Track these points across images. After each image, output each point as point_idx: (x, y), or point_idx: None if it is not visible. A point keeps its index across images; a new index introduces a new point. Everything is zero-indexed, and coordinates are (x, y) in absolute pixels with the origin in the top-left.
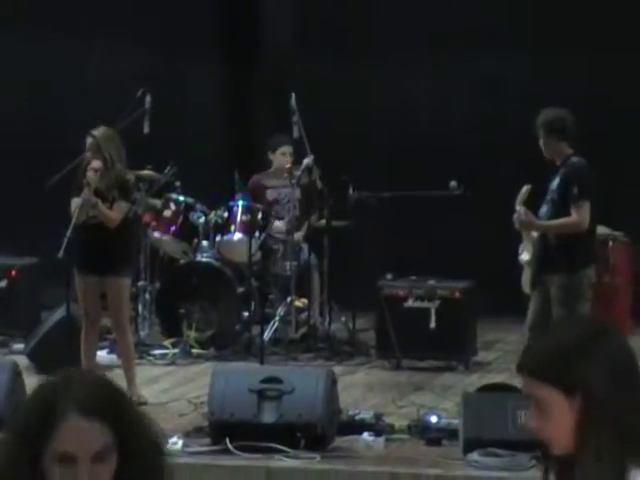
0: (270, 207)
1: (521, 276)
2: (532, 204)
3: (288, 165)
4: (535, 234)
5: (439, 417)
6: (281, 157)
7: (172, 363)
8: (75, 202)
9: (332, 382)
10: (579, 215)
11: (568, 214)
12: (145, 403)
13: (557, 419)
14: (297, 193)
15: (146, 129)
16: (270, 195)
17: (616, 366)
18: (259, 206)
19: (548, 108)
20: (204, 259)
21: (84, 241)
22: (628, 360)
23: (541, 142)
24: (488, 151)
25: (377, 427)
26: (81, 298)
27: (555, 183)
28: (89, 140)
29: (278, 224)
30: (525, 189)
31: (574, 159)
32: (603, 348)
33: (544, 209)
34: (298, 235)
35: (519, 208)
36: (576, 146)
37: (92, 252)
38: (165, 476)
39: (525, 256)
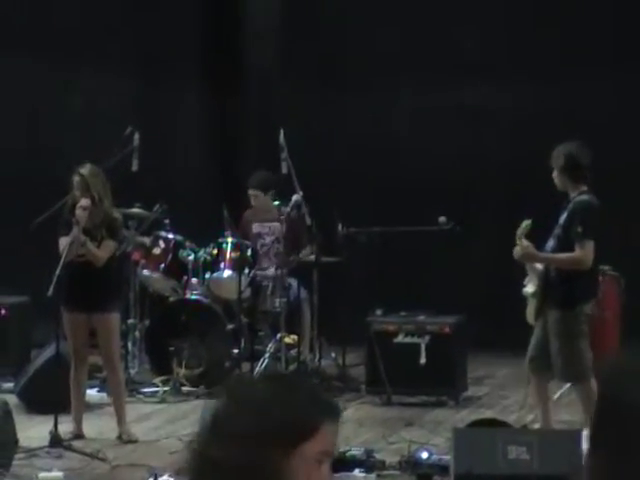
0: (255, 240)
1: (511, 310)
2: (532, 238)
3: (258, 206)
4: (540, 266)
5: (430, 453)
6: (251, 199)
7: (162, 401)
8: (63, 241)
9: None
10: (582, 253)
11: (572, 250)
12: (136, 441)
13: None
14: (282, 228)
15: (134, 167)
16: (255, 229)
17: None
18: (248, 243)
19: (566, 142)
20: (193, 296)
21: (71, 279)
22: None
23: (554, 174)
24: (477, 186)
25: (368, 463)
26: (69, 336)
27: (562, 218)
28: (77, 178)
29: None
30: (525, 224)
31: (584, 196)
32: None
33: (551, 243)
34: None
35: (522, 242)
36: (591, 182)
37: (79, 290)
38: None
39: (530, 288)
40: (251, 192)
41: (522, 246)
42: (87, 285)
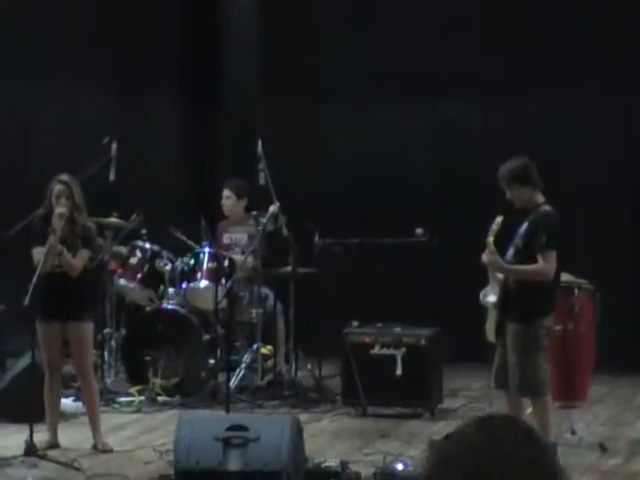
0: (226, 251)
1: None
2: (499, 245)
3: (228, 207)
4: (500, 276)
5: (405, 465)
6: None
7: (138, 410)
8: (38, 250)
9: (298, 430)
10: (546, 264)
11: (532, 261)
12: (110, 451)
13: None
14: (255, 240)
15: (112, 177)
16: (225, 239)
17: None
18: (226, 253)
19: (509, 160)
20: (170, 306)
21: (46, 288)
22: None
23: (508, 194)
24: (453, 198)
25: (343, 475)
26: (43, 345)
27: (523, 229)
28: (59, 186)
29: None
30: (497, 221)
31: (545, 207)
32: None
33: (510, 252)
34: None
35: (491, 247)
36: (546, 194)
37: (54, 299)
38: None
39: (492, 298)
40: (225, 192)
41: (490, 251)
42: (62, 295)
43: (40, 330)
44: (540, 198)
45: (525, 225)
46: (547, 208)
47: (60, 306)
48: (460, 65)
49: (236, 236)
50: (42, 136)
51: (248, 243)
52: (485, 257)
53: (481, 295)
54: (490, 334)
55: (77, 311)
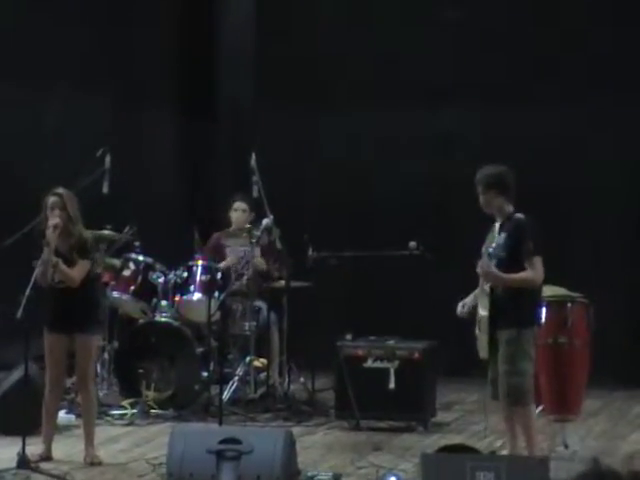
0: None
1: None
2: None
3: (242, 220)
4: (487, 288)
5: (398, 478)
6: (234, 213)
7: (131, 423)
8: (37, 264)
9: (291, 443)
10: (535, 271)
11: (515, 271)
12: (99, 464)
13: None
14: (256, 252)
15: (105, 189)
16: (230, 253)
17: None
18: (218, 266)
19: (487, 166)
20: (163, 319)
21: (53, 302)
22: None
23: (481, 199)
24: (448, 210)
25: None
26: (48, 356)
27: (501, 238)
28: (53, 198)
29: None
30: (497, 225)
31: (519, 215)
32: None
33: (492, 264)
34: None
35: (485, 257)
36: (517, 203)
37: (61, 312)
38: None
39: (483, 311)
40: (241, 205)
41: (486, 263)
42: (69, 307)
43: (47, 339)
44: (511, 208)
45: (504, 235)
46: (521, 216)
47: (67, 320)
48: (459, 74)
49: (243, 249)
50: (37, 148)
51: (261, 258)
52: (481, 265)
53: (459, 306)
54: (482, 350)
55: (84, 324)
